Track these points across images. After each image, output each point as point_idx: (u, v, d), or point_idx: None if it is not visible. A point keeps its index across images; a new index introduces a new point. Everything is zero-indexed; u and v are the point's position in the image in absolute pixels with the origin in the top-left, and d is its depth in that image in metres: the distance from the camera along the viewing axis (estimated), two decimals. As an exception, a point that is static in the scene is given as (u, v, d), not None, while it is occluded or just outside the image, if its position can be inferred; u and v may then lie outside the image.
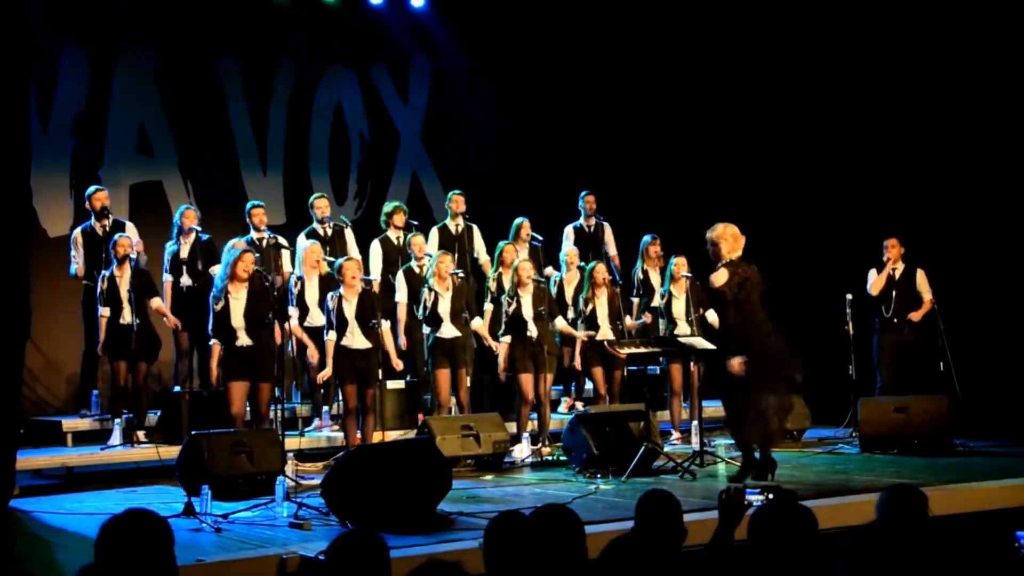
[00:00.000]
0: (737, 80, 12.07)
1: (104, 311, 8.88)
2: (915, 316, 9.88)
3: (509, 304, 9.16)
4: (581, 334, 9.52)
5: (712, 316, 8.78)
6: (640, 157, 12.51)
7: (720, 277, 7.44)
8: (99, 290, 8.92)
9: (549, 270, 10.49)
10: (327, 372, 8.60)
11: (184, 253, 9.59)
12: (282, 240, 9.53)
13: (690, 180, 12.13)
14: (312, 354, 8.90)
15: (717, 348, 7.87)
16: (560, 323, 9.46)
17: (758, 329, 7.37)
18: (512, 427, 9.06)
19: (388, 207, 10.40)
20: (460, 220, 10.49)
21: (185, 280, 9.55)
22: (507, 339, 9.18)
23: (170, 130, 11.29)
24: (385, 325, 8.93)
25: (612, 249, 11.06)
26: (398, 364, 9.13)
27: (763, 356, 7.32)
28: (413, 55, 12.79)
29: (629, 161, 12.51)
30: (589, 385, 10.20)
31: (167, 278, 9.61)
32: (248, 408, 8.26)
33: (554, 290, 9.97)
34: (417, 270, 9.65)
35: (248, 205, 9.94)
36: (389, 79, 12.65)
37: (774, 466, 7.38)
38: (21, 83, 7.15)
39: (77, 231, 9.56)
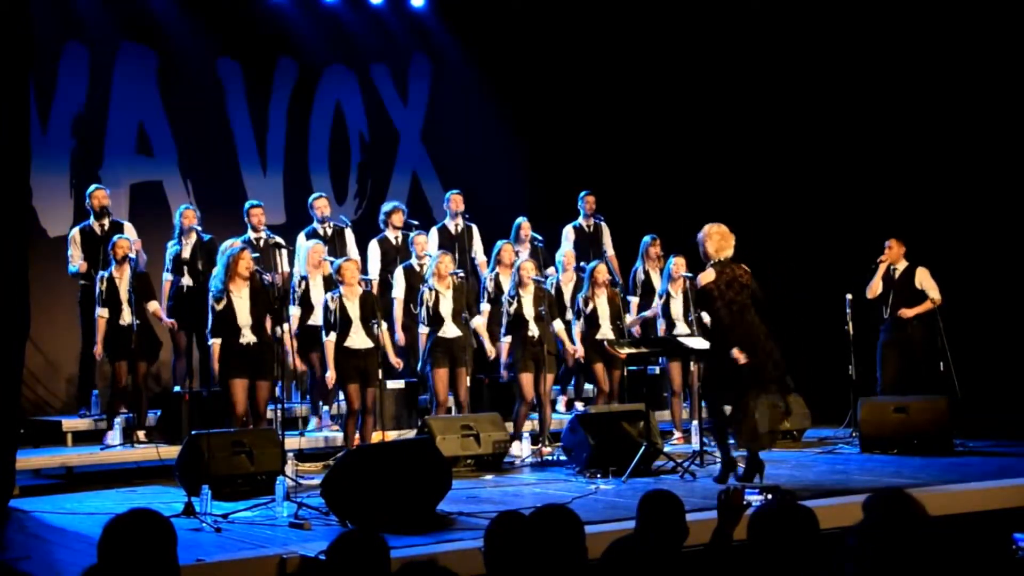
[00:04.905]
0: (737, 81, 12.07)
1: (102, 312, 8.88)
2: (906, 312, 9.74)
3: (511, 304, 9.16)
4: (572, 348, 9.47)
5: (705, 316, 8.77)
6: (640, 157, 12.51)
7: (706, 276, 7.43)
8: (98, 291, 8.92)
9: (551, 270, 10.48)
10: (333, 374, 8.59)
11: (186, 253, 9.60)
12: (280, 240, 9.52)
13: (690, 180, 12.13)
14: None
15: (710, 347, 7.83)
16: (558, 326, 9.44)
17: (748, 330, 7.33)
18: (511, 427, 9.06)
19: (387, 207, 10.41)
20: (459, 220, 10.49)
21: (186, 280, 9.56)
22: (508, 339, 9.19)
23: (170, 130, 11.29)
24: (384, 325, 8.93)
25: (610, 250, 11.06)
26: (398, 363, 9.13)
27: (753, 357, 7.27)
28: (413, 55, 12.78)
29: (629, 161, 12.51)
30: (588, 385, 10.21)
31: (167, 277, 9.63)
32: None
33: (552, 291, 9.96)
34: (417, 268, 9.65)
35: (246, 205, 9.94)
36: (389, 79, 12.64)
37: (761, 467, 7.34)
38: (21, 83, 7.15)
39: (75, 230, 9.56)
